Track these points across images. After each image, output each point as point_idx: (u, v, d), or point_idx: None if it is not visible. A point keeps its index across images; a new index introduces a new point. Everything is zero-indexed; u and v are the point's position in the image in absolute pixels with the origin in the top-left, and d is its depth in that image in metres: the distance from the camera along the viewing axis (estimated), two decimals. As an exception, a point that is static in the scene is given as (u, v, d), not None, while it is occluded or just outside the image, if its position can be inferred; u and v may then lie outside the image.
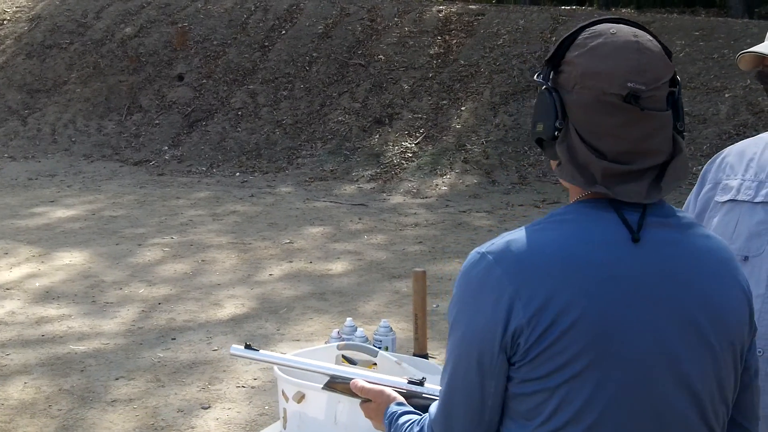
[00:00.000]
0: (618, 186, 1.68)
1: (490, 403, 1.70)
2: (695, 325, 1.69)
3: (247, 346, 2.38)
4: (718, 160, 2.65)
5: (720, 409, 1.74)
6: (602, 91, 1.68)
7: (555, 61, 1.74)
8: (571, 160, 1.69)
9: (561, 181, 1.78)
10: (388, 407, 2.01)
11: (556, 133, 1.70)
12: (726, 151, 2.69)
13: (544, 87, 1.73)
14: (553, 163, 1.78)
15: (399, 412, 1.98)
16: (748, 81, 13.80)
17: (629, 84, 1.68)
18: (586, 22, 1.78)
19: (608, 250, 1.66)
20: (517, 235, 1.70)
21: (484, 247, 1.71)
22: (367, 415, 2.10)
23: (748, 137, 2.73)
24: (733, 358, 1.75)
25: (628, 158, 1.69)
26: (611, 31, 1.74)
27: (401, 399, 2.04)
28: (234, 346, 2.40)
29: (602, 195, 1.71)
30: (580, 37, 1.74)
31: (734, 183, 2.56)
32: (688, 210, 2.66)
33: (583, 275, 1.62)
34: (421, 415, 1.95)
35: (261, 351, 2.38)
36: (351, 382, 2.12)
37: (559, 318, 1.59)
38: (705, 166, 2.70)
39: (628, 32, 1.74)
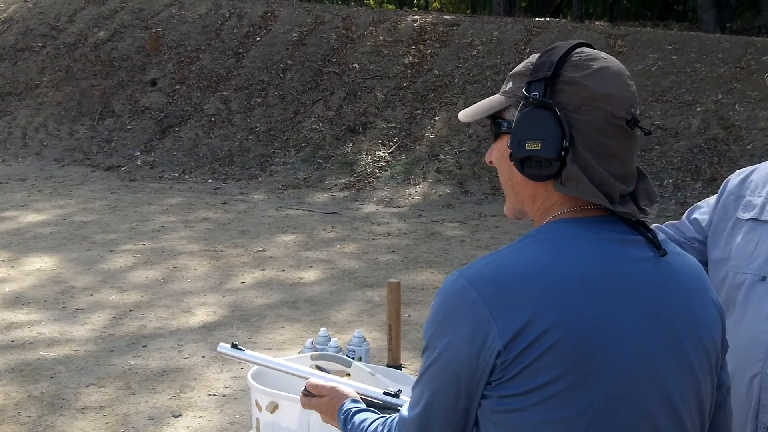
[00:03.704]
0: (624, 207, 1.72)
1: (468, 420, 1.70)
2: (676, 340, 1.70)
3: (234, 346, 2.41)
4: (743, 175, 2.65)
5: (698, 426, 1.75)
6: (613, 114, 1.69)
7: (553, 80, 1.72)
8: (590, 180, 1.69)
9: (528, 206, 1.80)
10: (342, 403, 2.02)
11: (562, 153, 1.68)
12: (752, 167, 2.68)
13: (543, 105, 1.71)
14: (538, 186, 1.76)
15: (354, 409, 1.98)
16: (720, 95, 13.92)
17: (632, 109, 1.72)
18: (561, 45, 1.78)
19: (588, 267, 1.66)
20: (494, 257, 1.70)
21: (461, 269, 1.70)
22: (319, 410, 2.10)
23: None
24: (710, 374, 1.77)
25: (625, 181, 1.72)
26: (602, 56, 1.76)
27: (356, 396, 2.05)
28: (221, 344, 2.43)
29: (597, 213, 1.73)
30: (574, 58, 1.73)
31: (758, 201, 2.55)
32: (701, 212, 2.67)
33: (563, 294, 1.61)
34: (377, 413, 1.96)
35: (246, 351, 2.41)
36: (306, 381, 2.13)
37: (539, 340, 1.58)
38: (730, 177, 2.70)
39: (613, 59, 1.77)
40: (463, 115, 1.88)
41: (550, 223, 1.74)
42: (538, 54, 1.79)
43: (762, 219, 2.52)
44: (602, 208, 1.72)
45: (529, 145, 1.71)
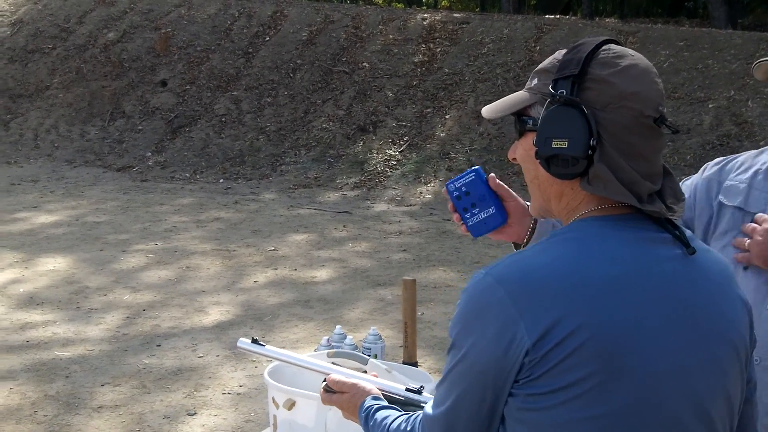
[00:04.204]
0: (651, 205, 1.70)
1: (494, 419, 1.69)
2: (705, 340, 1.68)
3: (254, 341, 2.40)
4: (722, 163, 2.65)
5: (727, 424, 1.74)
6: (641, 112, 1.67)
7: (581, 77, 1.70)
8: (618, 179, 1.67)
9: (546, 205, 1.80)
10: (363, 400, 2.01)
11: (589, 151, 1.67)
12: (732, 156, 2.69)
13: (570, 103, 1.69)
14: (564, 184, 1.75)
15: (376, 406, 1.97)
16: (732, 92, 13.89)
17: (660, 107, 1.70)
18: (587, 41, 1.76)
19: (616, 266, 1.64)
20: (521, 255, 1.68)
21: (488, 267, 1.69)
22: (340, 407, 2.09)
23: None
24: (740, 372, 1.75)
25: (652, 179, 1.71)
26: (630, 53, 1.75)
27: (377, 393, 2.04)
28: (242, 339, 2.43)
29: (624, 212, 1.71)
30: (601, 56, 1.72)
31: (741, 186, 2.55)
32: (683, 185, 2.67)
33: (591, 293, 1.60)
34: (399, 410, 1.95)
35: (267, 347, 2.41)
36: (327, 377, 2.13)
37: (567, 339, 1.57)
38: (707, 164, 2.70)
39: (641, 56, 1.76)
40: (487, 111, 1.87)
41: (577, 222, 1.73)
42: (564, 50, 1.77)
43: (747, 210, 2.52)
44: (629, 206, 1.70)
45: (556, 143, 1.69)
